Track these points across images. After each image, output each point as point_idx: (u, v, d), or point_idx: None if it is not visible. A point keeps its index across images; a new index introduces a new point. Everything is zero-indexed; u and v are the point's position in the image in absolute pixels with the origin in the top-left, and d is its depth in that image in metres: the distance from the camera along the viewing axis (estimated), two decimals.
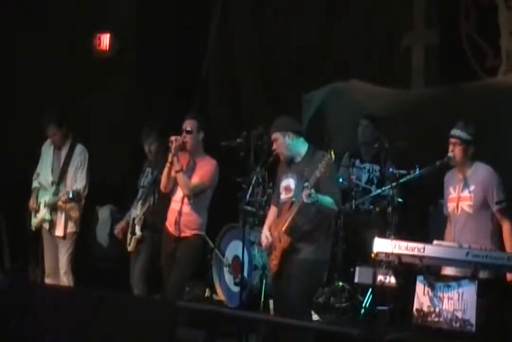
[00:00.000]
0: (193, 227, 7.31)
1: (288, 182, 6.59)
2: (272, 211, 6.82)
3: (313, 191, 6.22)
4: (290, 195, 6.52)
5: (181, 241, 7.29)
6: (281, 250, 6.45)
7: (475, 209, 6.67)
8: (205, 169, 7.29)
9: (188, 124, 7.30)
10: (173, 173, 7.22)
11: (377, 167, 8.59)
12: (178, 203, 7.31)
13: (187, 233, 7.30)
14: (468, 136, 6.70)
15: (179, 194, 7.31)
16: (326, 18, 9.94)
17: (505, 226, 6.64)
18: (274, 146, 6.61)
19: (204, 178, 7.26)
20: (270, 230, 6.61)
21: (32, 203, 8.10)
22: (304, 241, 6.43)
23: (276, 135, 6.58)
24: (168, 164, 7.22)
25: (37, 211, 8.08)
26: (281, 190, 6.64)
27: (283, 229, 6.42)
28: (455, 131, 6.74)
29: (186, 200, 7.26)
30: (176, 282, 7.25)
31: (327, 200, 6.37)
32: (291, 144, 6.56)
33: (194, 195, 7.24)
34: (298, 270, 6.41)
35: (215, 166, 7.32)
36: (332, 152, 6.38)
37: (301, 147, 6.59)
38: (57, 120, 8.01)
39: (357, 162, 8.67)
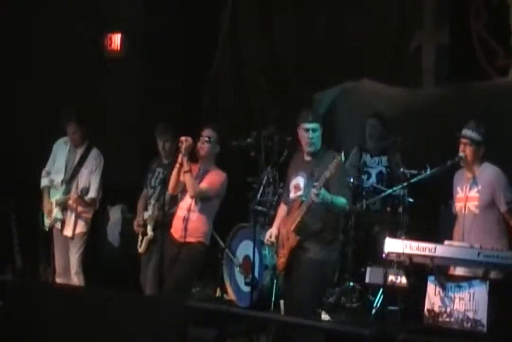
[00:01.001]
0: (198, 234, 7.28)
1: (298, 180, 6.59)
2: (282, 209, 6.82)
3: (322, 190, 6.23)
4: (299, 193, 6.52)
5: (184, 246, 7.26)
6: (289, 248, 6.46)
7: (481, 209, 6.68)
8: (215, 178, 7.27)
9: (209, 133, 7.30)
10: (181, 175, 7.21)
11: (385, 158, 8.63)
12: (184, 210, 7.29)
13: (192, 238, 7.27)
14: (479, 137, 6.71)
15: (186, 201, 7.30)
16: (336, 18, 9.93)
17: None
18: (311, 136, 6.49)
19: (213, 185, 7.23)
20: (278, 228, 6.61)
21: (46, 203, 8.10)
22: (313, 240, 6.44)
23: (316, 126, 6.52)
24: (177, 165, 7.22)
25: (50, 210, 8.08)
26: (291, 188, 6.64)
27: (292, 227, 6.43)
28: (466, 132, 6.74)
29: (193, 207, 7.24)
30: (175, 281, 7.21)
31: (340, 199, 6.37)
32: (321, 139, 6.57)
33: (201, 200, 7.22)
34: (306, 270, 6.42)
35: (225, 178, 7.31)
36: (343, 154, 6.37)
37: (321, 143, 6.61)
38: (78, 119, 8.02)
39: (368, 157, 8.69)
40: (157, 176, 7.90)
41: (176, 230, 7.31)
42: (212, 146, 7.31)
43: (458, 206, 6.83)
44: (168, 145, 7.83)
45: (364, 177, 8.50)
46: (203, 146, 7.29)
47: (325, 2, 9.97)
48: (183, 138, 7.17)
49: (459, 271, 6.68)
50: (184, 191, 7.35)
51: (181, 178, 7.24)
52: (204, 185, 7.24)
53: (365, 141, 8.77)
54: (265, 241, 6.70)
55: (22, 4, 10.10)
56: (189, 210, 7.25)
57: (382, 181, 8.51)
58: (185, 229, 7.23)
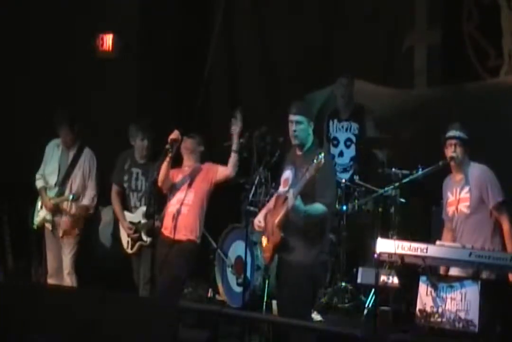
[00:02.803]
0: (189, 229, 7.33)
1: (287, 174, 6.55)
2: (273, 200, 6.76)
3: (297, 201, 6.15)
4: (286, 188, 6.47)
5: (174, 245, 7.30)
6: (273, 244, 6.42)
7: (472, 208, 6.72)
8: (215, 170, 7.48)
9: (193, 133, 7.51)
10: (171, 173, 7.28)
11: (355, 126, 8.63)
12: (175, 205, 7.35)
13: (182, 236, 7.32)
14: (466, 137, 6.77)
15: (176, 197, 7.38)
16: (328, 18, 9.94)
17: (505, 225, 6.65)
18: (294, 128, 6.42)
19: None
20: (265, 216, 6.56)
21: (46, 201, 8.07)
22: (297, 239, 6.34)
23: (301, 118, 6.43)
24: (167, 159, 7.28)
25: (51, 208, 8.04)
26: (281, 181, 6.60)
27: (276, 222, 6.38)
28: (455, 133, 6.79)
29: (186, 201, 7.34)
30: (166, 283, 7.23)
31: (315, 208, 6.27)
32: (310, 134, 6.48)
33: (195, 197, 7.37)
34: (296, 275, 6.35)
35: None
36: (322, 155, 6.24)
37: (311, 139, 6.55)
38: (69, 121, 8.01)
39: (335, 121, 8.70)
40: (136, 178, 7.88)
41: (167, 226, 7.37)
42: (196, 142, 7.47)
43: (450, 210, 6.85)
44: (150, 141, 7.81)
45: (334, 142, 8.52)
46: (187, 141, 7.45)
47: (318, 2, 9.97)
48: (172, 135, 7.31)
49: (453, 271, 6.69)
50: (174, 189, 7.38)
51: (171, 175, 7.34)
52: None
53: (335, 107, 8.78)
54: (256, 228, 6.62)
55: (16, 4, 10.10)
56: (181, 204, 7.33)
57: (351, 144, 8.53)
58: (175, 225, 7.30)
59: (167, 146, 7.29)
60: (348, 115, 8.69)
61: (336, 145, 8.69)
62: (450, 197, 6.85)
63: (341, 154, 8.69)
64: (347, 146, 8.61)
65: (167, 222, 7.38)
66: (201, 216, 7.41)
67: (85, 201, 8.05)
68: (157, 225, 7.58)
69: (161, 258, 7.30)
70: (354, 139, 8.62)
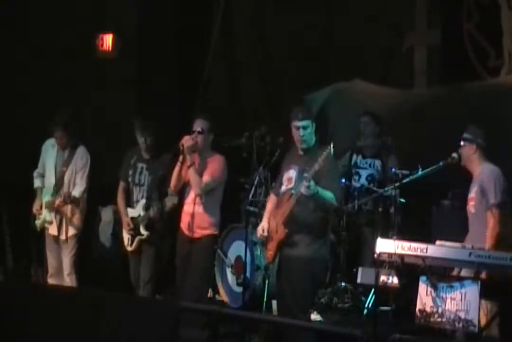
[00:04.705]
0: (204, 226, 7.35)
1: (291, 174, 6.62)
2: (271, 201, 6.84)
3: (312, 183, 6.24)
4: (291, 186, 6.53)
5: (194, 243, 7.33)
6: (278, 241, 6.47)
7: (477, 209, 6.72)
8: (215, 166, 7.33)
9: (200, 124, 7.37)
10: (184, 171, 7.27)
11: (378, 163, 8.60)
12: (190, 204, 7.35)
13: (199, 233, 7.34)
14: (471, 137, 6.77)
15: (191, 196, 7.37)
16: (328, 18, 9.96)
17: (491, 222, 6.62)
18: (302, 134, 6.52)
19: (215, 175, 7.30)
20: (269, 221, 6.61)
21: (36, 204, 8.09)
22: (301, 234, 6.43)
23: (307, 123, 6.53)
24: (178, 163, 7.29)
25: (39, 211, 8.07)
26: (284, 180, 6.65)
27: (281, 220, 6.43)
28: (464, 134, 6.78)
29: (197, 200, 7.31)
30: (197, 288, 7.30)
31: (327, 194, 6.37)
32: (314, 135, 6.58)
33: (206, 193, 7.28)
34: (296, 269, 6.42)
35: (223, 161, 7.39)
36: (331, 146, 6.33)
37: (314, 139, 6.62)
38: (63, 125, 8.00)
39: (359, 158, 8.67)
40: (140, 172, 7.88)
41: (185, 225, 7.40)
42: (205, 137, 7.37)
43: (468, 207, 6.86)
44: (149, 140, 7.83)
45: (355, 177, 8.49)
46: (197, 140, 7.34)
47: (318, 3, 9.98)
48: (185, 138, 7.24)
49: (462, 272, 6.66)
50: (187, 184, 7.41)
51: (183, 173, 7.31)
52: (206, 177, 7.29)
53: (358, 140, 8.76)
54: (258, 236, 6.67)
55: (15, 3, 10.09)
56: (194, 204, 7.31)
57: (372, 183, 8.50)
58: (192, 223, 7.30)
59: (181, 149, 7.28)
60: (372, 153, 8.65)
61: (357, 180, 8.63)
62: (469, 194, 6.86)
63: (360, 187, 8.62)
64: (369, 182, 8.53)
65: (185, 220, 7.40)
66: (216, 208, 7.41)
67: (74, 192, 8.01)
68: (155, 216, 7.60)
69: (183, 255, 7.35)
70: (376, 174, 8.57)
